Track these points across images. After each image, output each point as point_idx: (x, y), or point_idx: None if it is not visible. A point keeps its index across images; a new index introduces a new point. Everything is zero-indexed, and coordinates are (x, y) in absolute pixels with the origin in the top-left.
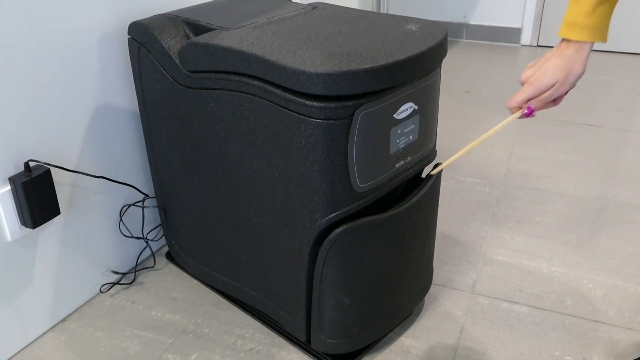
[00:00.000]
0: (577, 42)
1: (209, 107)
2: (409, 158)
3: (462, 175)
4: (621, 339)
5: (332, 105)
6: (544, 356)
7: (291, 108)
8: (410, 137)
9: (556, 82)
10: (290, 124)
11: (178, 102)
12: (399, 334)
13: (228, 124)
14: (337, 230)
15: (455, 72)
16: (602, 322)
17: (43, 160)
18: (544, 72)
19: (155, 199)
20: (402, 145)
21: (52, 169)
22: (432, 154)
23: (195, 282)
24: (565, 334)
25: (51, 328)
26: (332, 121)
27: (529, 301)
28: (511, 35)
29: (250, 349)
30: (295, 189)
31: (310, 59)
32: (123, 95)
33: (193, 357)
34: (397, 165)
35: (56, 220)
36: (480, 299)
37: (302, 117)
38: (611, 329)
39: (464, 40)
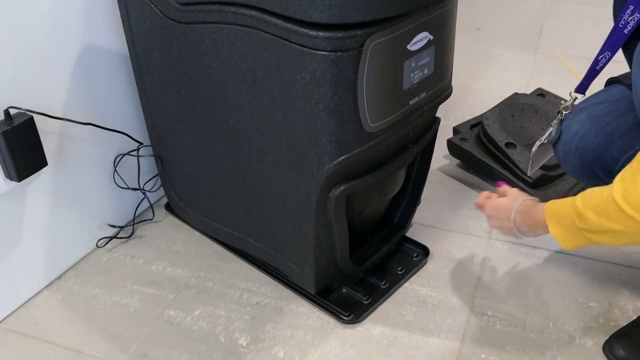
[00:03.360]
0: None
1: (203, 43)
2: (423, 94)
3: (478, 113)
4: None
5: (339, 35)
6: (567, 303)
7: (293, 40)
8: (425, 71)
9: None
10: (293, 58)
11: (169, 40)
12: (414, 283)
13: (225, 62)
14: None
15: (464, 8)
16: (628, 266)
17: (25, 107)
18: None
19: (150, 147)
20: (417, 80)
21: (36, 117)
22: (448, 90)
23: (197, 234)
24: (589, 279)
25: (46, 286)
26: (339, 53)
27: (550, 245)
28: None
29: (257, 303)
30: (301, 131)
31: None
32: (110, 34)
33: (197, 312)
34: (411, 102)
35: (44, 172)
36: (498, 245)
37: (305, 49)
38: (637, 273)
39: None
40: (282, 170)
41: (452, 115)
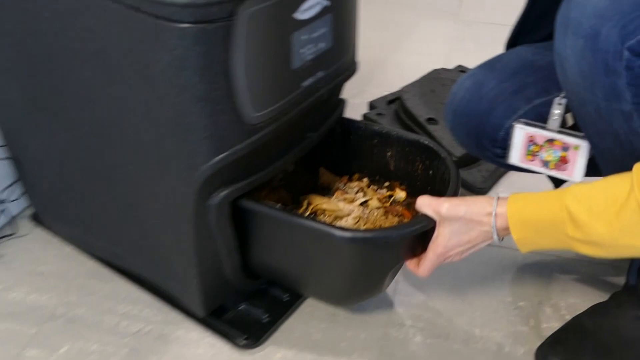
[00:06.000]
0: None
1: (42, 17)
2: (320, 73)
3: (395, 90)
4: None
5: (202, 2)
6: (495, 305)
7: (143, 9)
8: (321, 45)
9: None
10: (146, 34)
11: (3, 16)
12: None
13: (70, 41)
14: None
15: None
16: (558, 256)
17: None
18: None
19: (5, 148)
20: (310, 57)
21: None
22: (351, 67)
23: (69, 249)
24: (518, 274)
25: None
26: (204, 25)
27: None
28: None
29: (137, 331)
30: (166, 126)
31: None
32: None
33: (63, 350)
34: (304, 83)
35: None
36: None
37: (159, 21)
38: (567, 263)
39: None
40: (150, 174)
41: (367, 91)
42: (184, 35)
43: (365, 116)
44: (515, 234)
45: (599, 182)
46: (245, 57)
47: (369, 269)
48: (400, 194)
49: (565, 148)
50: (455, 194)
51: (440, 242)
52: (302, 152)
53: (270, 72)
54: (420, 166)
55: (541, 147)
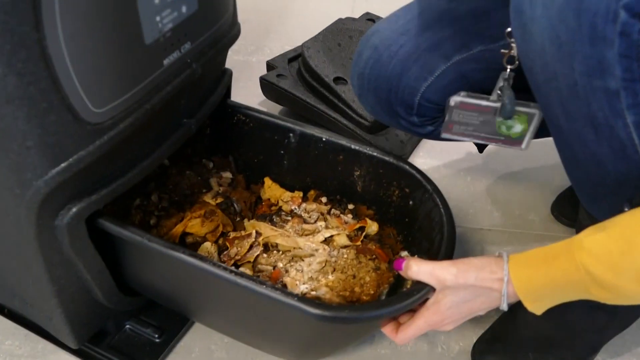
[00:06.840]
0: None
1: None
2: (187, 45)
3: (298, 44)
4: None
5: None
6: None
7: None
8: (183, 9)
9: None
10: None
11: None
12: None
13: None
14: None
15: None
16: (489, 229)
17: None
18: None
19: None
20: (170, 25)
21: None
22: (231, 32)
23: None
24: None
25: None
26: None
27: None
28: None
29: None
30: None
31: None
32: None
33: None
34: (166, 61)
35: None
36: None
37: None
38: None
39: None
40: None
41: (265, 46)
42: None
43: (262, 79)
44: (528, 305)
45: (611, 228)
46: (67, 36)
47: (336, 340)
48: (373, 227)
49: None
50: (452, 249)
51: (438, 311)
52: (177, 144)
53: (112, 53)
54: (396, 192)
55: None
